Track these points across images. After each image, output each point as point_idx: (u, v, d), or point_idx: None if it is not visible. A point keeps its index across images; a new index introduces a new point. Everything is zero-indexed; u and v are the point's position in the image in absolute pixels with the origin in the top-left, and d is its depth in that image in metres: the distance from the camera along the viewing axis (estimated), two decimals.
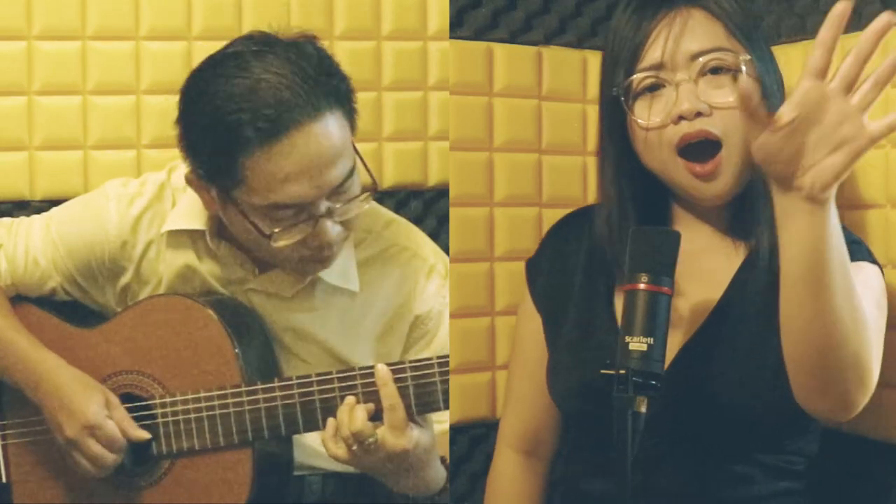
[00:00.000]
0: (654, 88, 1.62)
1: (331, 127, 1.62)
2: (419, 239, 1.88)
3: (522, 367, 1.86)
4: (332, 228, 1.66)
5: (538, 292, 1.82)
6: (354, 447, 1.62)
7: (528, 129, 2.16)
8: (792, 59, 1.97)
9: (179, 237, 1.80)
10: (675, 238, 1.49)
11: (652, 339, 1.43)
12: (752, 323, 1.61)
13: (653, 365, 1.43)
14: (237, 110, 1.58)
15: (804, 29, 1.96)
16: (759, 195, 1.61)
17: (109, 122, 2.13)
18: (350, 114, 1.67)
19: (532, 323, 1.82)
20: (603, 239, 1.70)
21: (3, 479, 1.83)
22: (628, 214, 1.67)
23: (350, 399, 1.65)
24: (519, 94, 2.15)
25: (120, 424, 1.74)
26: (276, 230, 1.64)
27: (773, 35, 2.01)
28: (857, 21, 1.86)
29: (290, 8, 2.17)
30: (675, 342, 1.61)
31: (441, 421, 1.80)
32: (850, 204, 1.88)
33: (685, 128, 1.59)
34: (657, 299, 1.45)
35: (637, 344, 1.43)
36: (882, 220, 1.84)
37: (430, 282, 1.83)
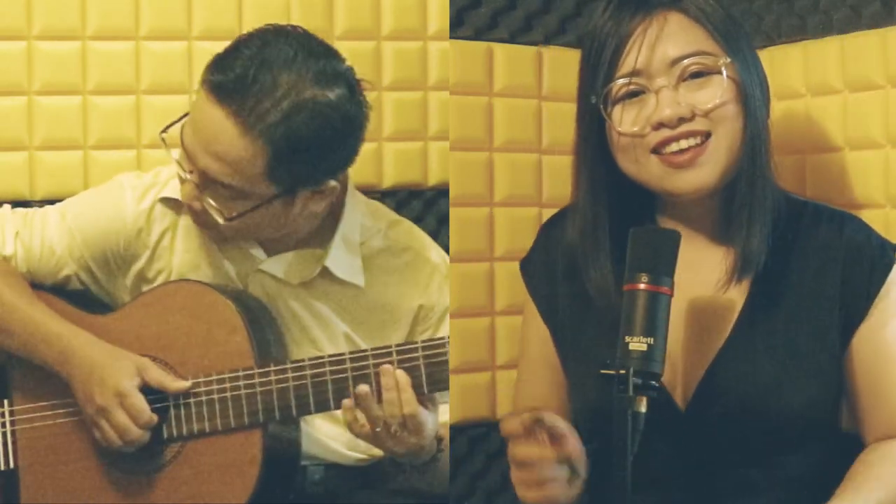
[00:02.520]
0: (633, 94, 1.59)
1: (243, 145, 1.66)
2: (422, 239, 1.90)
3: (528, 369, 1.84)
4: (189, 194, 1.72)
5: (541, 297, 1.79)
6: (379, 428, 1.67)
7: (528, 129, 2.16)
8: (792, 58, 1.98)
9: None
10: (675, 238, 1.49)
11: (652, 339, 1.43)
12: (777, 327, 1.61)
13: (653, 365, 1.43)
14: (232, 57, 1.67)
15: (804, 29, 1.96)
16: (742, 197, 1.59)
17: (109, 122, 2.13)
18: (281, 169, 1.67)
19: (535, 325, 1.80)
20: (574, 245, 1.68)
21: (11, 465, 1.84)
22: (601, 222, 1.64)
23: (402, 377, 1.68)
24: (519, 94, 2.15)
25: (158, 381, 1.75)
26: (176, 157, 1.74)
27: (774, 35, 2.01)
28: (857, 21, 1.87)
29: (291, 8, 2.17)
30: (694, 344, 1.62)
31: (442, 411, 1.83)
32: (851, 204, 1.89)
33: (666, 133, 1.56)
34: (657, 299, 1.45)
35: (637, 344, 1.43)
36: (882, 220, 1.84)
37: (432, 280, 1.85)
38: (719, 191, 1.61)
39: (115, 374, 1.74)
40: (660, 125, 1.56)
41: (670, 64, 1.57)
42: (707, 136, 1.57)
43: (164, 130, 1.75)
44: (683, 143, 1.57)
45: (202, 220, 1.77)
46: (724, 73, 1.57)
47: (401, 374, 1.68)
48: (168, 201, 1.85)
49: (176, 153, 1.75)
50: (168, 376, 1.76)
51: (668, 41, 1.57)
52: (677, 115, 1.56)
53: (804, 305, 1.62)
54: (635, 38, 1.58)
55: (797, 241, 1.64)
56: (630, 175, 1.63)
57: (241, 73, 1.65)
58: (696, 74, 1.57)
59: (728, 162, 1.58)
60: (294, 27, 1.72)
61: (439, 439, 1.75)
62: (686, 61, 1.57)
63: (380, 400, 1.67)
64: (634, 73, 1.58)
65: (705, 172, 1.57)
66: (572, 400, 1.74)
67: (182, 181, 1.74)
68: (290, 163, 1.67)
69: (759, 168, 1.59)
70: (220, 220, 1.71)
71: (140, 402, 1.73)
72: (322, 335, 1.84)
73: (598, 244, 1.64)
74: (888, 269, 1.62)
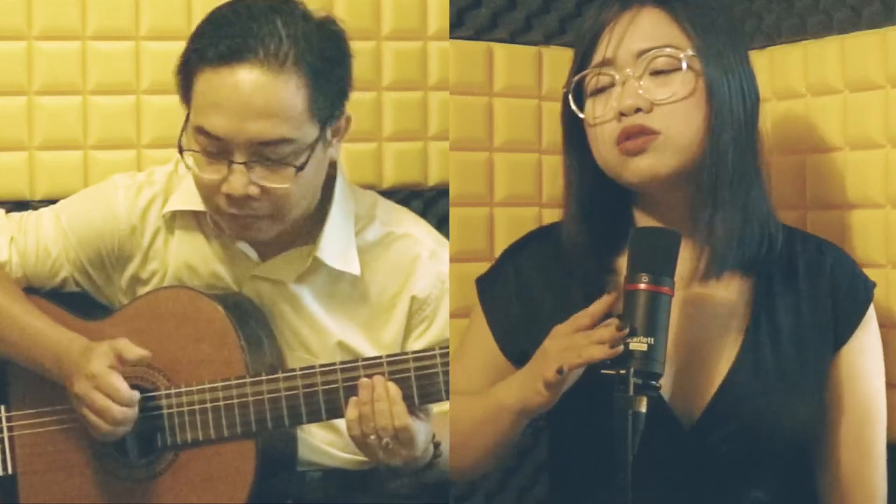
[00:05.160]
0: (603, 89, 1.61)
1: (281, 86, 1.64)
2: (420, 225, 1.89)
3: (465, 375, 1.75)
4: (243, 182, 1.66)
5: (497, 318, 1.74)
6: (372, 437, 1.65)
7: (528, 129, 2.16)
8: (792, 58, 1.98)
9: (186, 220, 1.82)
10: (676, 238, 1.49)
11: (652, 339, 1.43)
12: (785, 337, 1.62)
13: (653, 365, 1.43)
14: (215, 30, 1.67)
15: (804, 29, 1.96)
16: (705, 192, 1.58)
17: (109, 122, 2.13)
18: (320, 99, 1.67)
19: (481, 339, 1.75)
20: (569, 242, 1.68)
21: (10, 471, 1.84)
22: (591, 220, 1.65)
23: (393, 389, 1.67)
24: (519, 94, 2.15)
25: (118, 350, 1.71)
26: (192, 151, 1.68)
27: (774, 35, 2.01)
28: (857, 20, 1.87)
29: None
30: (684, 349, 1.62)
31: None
32: (851, 204, 1.89)
33: (625, 122, 1.57)
34: (657, 299, 1.45)
35: (637, 344, 1.44)
36: (882, 220, 1.84)
37: (429, 266, 1.84)
38: (688, 186, 1.60)
39: (85, 359, 1.72)
40: (621, 115, 1.57)
41: (636, 55, 1.58)
42: (657, 133, 1.57)
43: (181, 149, 1.70)
44: (639, 142, 1.57)
45: (251, 214, 1.70)
46: (685, 66, 1.56)
47: (391, 386, 1.66)
48: (182, 214, 1.82)
49: (195, 166, 1.70)
50: (130, 345, 1.72)
51: (636, 33, 1.59)
52: (635, 105, 1.56)
53: (806, 324, 1.63)
54: (609, 29, 1.60)
55: (795, 265, 1.66)
56: (601, 167, 1.63)
57: (238, 30, 1.65)
58: (659, 71, 1.58)
59: (683, 156, 1.57)
60: None
61: (436, 444, 1.74)
62: (650, 54, 1.57)
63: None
64: (604, 62, 1.60)
65: (655, 160, 1.56)
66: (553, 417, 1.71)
67: (227, 179, 1.67)
68: (323, 87, 1.67)
69: (726, 166, 1.57)
70: (291, 177, 1.66)
71: (114, 380, 1.70)
72: (315, 342, 1.83)
73: (586, 220, 1.66)
74: (869, 300, 1.66)
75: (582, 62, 1.63)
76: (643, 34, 1.58)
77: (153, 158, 2.11)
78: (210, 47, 1.66)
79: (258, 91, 1.64)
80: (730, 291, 1.64)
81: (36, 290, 1.87)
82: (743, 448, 1.59)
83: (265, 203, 1.69)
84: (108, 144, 2.13)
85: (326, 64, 1.68)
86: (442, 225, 2.24)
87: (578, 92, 1.64)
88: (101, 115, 2.13)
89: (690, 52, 1.57)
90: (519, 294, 1.73)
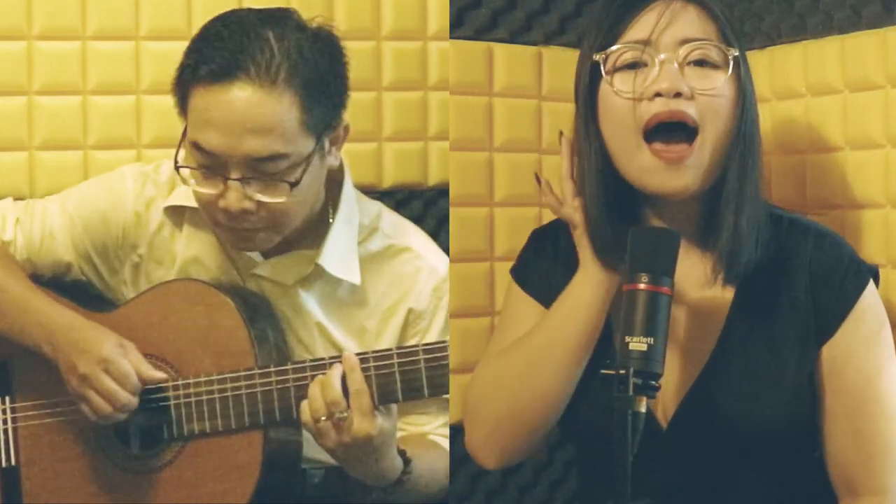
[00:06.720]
0: (634, 66, 1.57)
1: (274, 103, 1.64)
2: (422, 240, 1.90)
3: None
4: (238, 198, 1.67)
5: (543, 295, 1.73)
6: (322, 421, 1.65)
7: (528, 129, 2.16)
8: (792, 58, 1.98)
9: (195, 215, 1.82)
10: (675, 238, 1.49)
11: (652, 339, 1.43)
12: (758, 347, 1.60)
13: (653, 365, 1.43)
14: (208, 46, 1.68)
15: (804, 29, 1.96)
16: (732, 197, 1.56)
17: (109, 122, 2.13)
18: (314, 112, 1.67)
19: (526, 313, 1.73)
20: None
21: (13, 462, 1.84)
22: (602, 214, 1.62)
23: (321, 377, 1.67)
24: (519, 94, 2.15)
25: (136, 367, 1.74)
26: (188, 167, 1.70)
27: (774, 35, 2.01)
28: (857, 20, 1.87)
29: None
30: (677, 362, 1.62)
31: (426, 429, 1.85)
32: (851, 204, 1.89)
33: (658, 106, 1.54)
34: (657, 299, 1.45)
35: (637, 344, 1.43)
36: (882, 220, 1.84)
37: (428, 282, 1.85)
38: (702, 194, 1.59)
39: (97, 341, 1.73)
40: (657, 95, 1.54)
41: (679, 43, 1.56)
42: (694, 134, 1.54)
43: (177, 165, 1.71)
44: (673, 146, 1.54)
45: (249, 228, 1.71)
46: (731, 66, 1.55)
47: (351, 356, 1.67)
48: (174, 209, 1.83)
49: (193, 182, 1.71)
50: (147, 365, 1.75)
51: (682, 22, 1.56)
52: (675, 88, 1.53)
53: (782, 324, 1.61)
54: (651, 10, 1.57)
55: (775, 258, 1.61)
56: (615, 158, 1.60)
57: (230, 46, 1.65)
58: (701, 63, 1.56)
59: (712, 163, 1.56)
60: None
61: (406, 460, 1.73)
62: (694, 44, 1.55)
63: (349, 405, 1.65)
64: (642, 41, 1.56)
65: (690, 175, 1.55)
66: (567, 413, 1.70)
67: (224, 195, 1.68)
68: (318, 99, 1.67)
69: (750, 171, 1.57)
70: (286, 192, 1.67)
71: (126, 367, 1.72)
72: (313, 341, 1.83)
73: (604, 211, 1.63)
74: (859, 290, 1.60)
75: (608, 37, 1.59)
76: (688, 25, 1.56)
77: (153, 158, 2.09)
78: (202, 64, 1.66)
79: (251, 109, 1.64)
80: (712, 293, 1.62)
81: (40, 278, 1.87)
82: (722, 448, 1.59)
83: (262, 216, 1.70)
84: (108, 144, 2.14)
85: (320, 76, 1.68)
86: (442, 225, 2.24)
87: (593, 71, 1.60)
88: (101, 115, 2.13)
89: (736, 53, 1.56)
90: (548, 276, 1.74)
